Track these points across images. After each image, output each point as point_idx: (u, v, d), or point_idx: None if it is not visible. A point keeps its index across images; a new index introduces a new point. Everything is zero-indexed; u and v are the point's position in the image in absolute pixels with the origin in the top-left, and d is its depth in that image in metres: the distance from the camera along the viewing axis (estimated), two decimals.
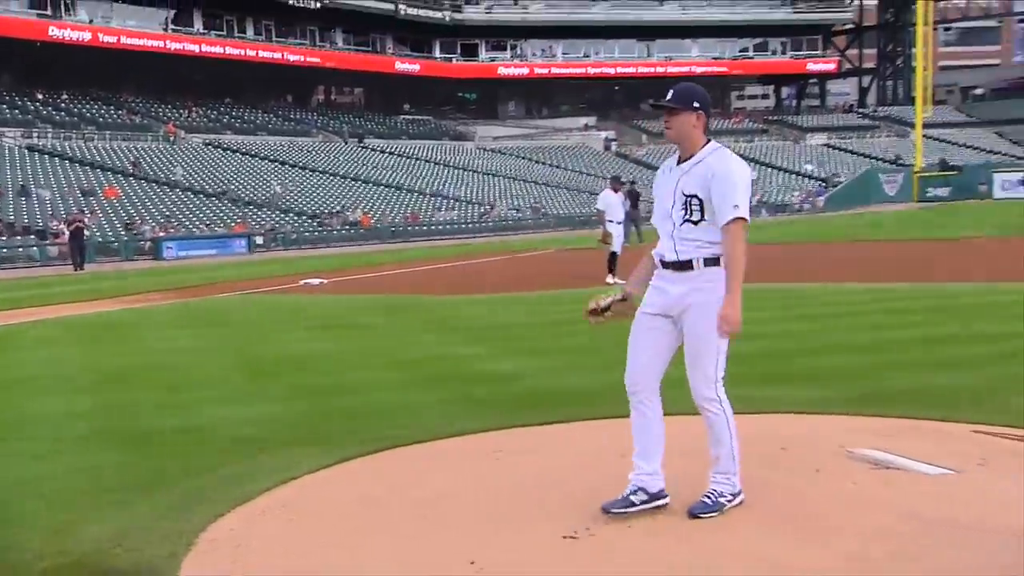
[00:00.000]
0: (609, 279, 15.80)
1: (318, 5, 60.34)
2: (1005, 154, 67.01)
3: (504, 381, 7.59)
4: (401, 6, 65.60)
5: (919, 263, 18.00)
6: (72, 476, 5.28)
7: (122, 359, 9.98)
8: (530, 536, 3.98)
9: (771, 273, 14.88)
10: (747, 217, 4.11)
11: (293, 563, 3.86)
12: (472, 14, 70.14)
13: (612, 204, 16.55)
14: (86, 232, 33.32)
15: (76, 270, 30.24)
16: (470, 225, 48.93)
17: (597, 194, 20.41)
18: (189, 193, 45.59)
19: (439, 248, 35.91)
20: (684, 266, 4.23)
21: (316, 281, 20.06)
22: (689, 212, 4.21)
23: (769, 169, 64.08)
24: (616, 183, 17.46)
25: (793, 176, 64.51)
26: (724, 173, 4.14)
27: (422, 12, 67.31)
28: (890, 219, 38.76)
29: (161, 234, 38.67)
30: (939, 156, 62.88)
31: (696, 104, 4.25)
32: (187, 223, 41.47)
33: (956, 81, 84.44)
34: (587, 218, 51.57)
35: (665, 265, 4.29)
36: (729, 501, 4.25)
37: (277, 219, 44.76)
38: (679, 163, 4.32)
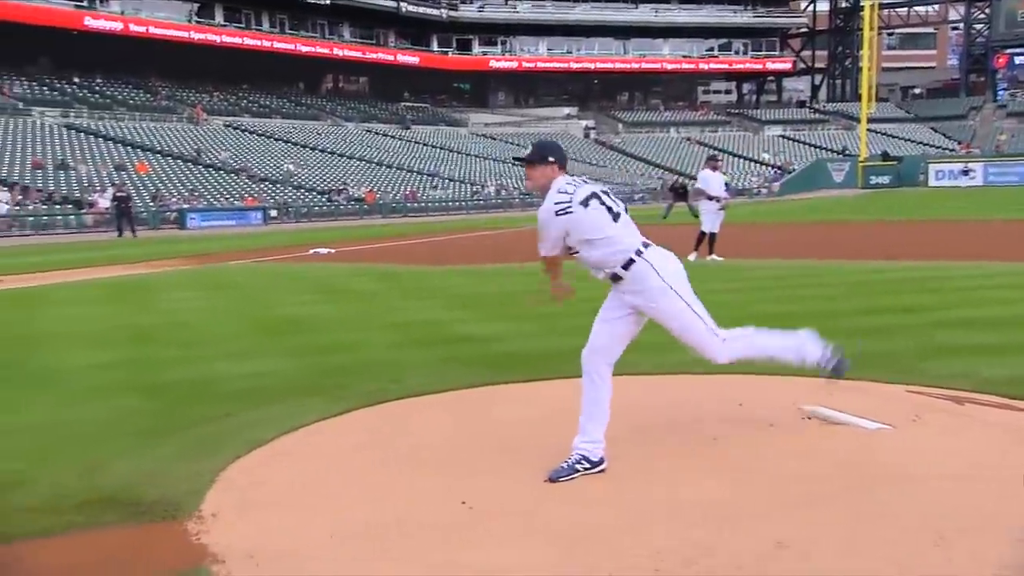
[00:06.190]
0: (691, 256, 13.88)
1: (328, 2, 59.81)
2: (939, 147, 67.12)
3: (485, 343, 7.54)
4: (403, 4, 65.13)
5: (851, 243, 17.90)
6: (100, 421, 5.24)
7: (142, 318, 9.89)
8: (514, 479, 3.97)
9: (728, 249, 14.87)
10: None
11: (303, 500, 3.83)
12: (466, 12, 69.60)
13: (711, 182, 14.97)
14: (131, 200, 32.50)
15: (119, 235, 29.37)
16: (462, 203, 48.69)
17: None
18: (211, 169, 45.20)
19: (434, 223, 35.74)
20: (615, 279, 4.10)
21: (324, 250, 19.92)
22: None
23: (731, 157, 63.90)
24: (713, 162, 15.47)
25: (752, 163, 64.83)
26: None
27: (421, 9, 66.80)
28: (827, 204, 38.77)
29: (185, 206, 38.31)
30: (881, 148, 62.89)
31: (551, 159, 4.32)
32: (208, 196, 41.13)
33: (896, 81, 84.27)
34: None
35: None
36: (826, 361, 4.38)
37: (290, 194, 44.42)
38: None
